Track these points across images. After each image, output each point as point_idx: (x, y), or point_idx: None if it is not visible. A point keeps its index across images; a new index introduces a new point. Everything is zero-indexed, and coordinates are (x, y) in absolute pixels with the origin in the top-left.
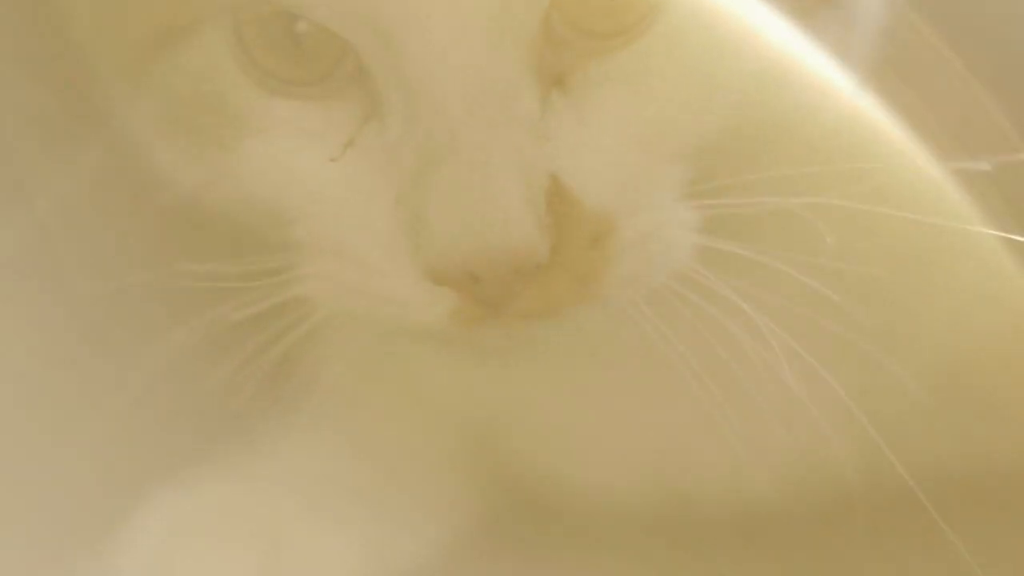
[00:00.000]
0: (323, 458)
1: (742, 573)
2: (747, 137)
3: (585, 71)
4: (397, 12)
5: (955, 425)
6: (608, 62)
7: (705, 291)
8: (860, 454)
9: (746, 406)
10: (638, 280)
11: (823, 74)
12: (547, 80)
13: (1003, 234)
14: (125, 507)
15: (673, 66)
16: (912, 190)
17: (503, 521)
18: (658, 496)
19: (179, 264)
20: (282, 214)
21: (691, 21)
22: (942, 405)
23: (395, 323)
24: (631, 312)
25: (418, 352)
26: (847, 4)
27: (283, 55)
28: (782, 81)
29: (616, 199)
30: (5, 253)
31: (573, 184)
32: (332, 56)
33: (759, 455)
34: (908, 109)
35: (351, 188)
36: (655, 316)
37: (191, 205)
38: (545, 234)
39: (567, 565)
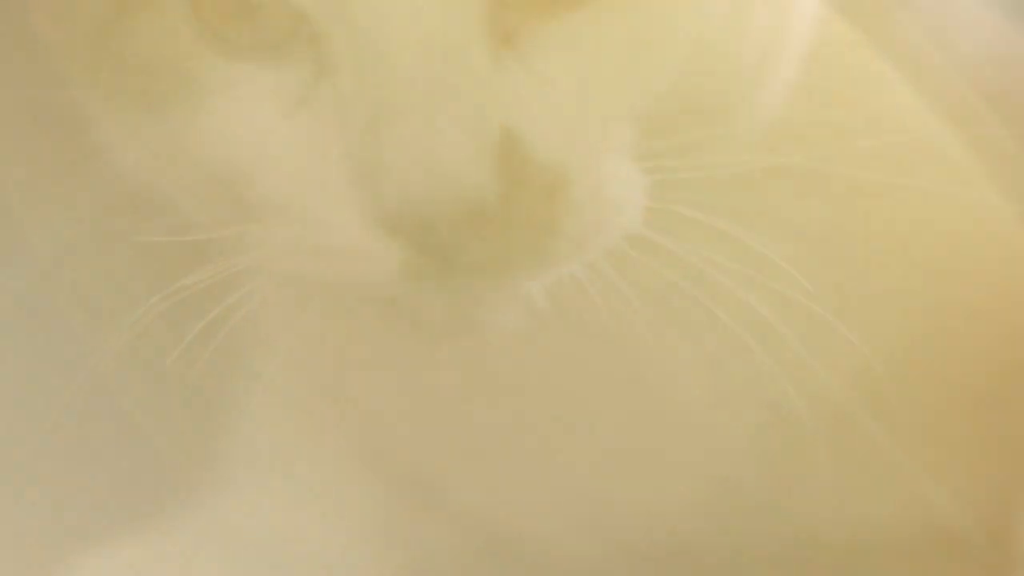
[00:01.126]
0: (250, 508)
1: None
2: (699, 101)
3: (535, 31)
4: None
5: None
6: (558, 23)
7: (659, 257)
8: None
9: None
10: (591, 238)
11: (775, 40)
12: (498, 38)
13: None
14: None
15: (621, 29)
16: (887, 153)
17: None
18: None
19: (127, 240)
20: (235, 179)
21: None
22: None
23: (342, 280)
24: (583, 279)
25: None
26: None
27: (238, 20)
28: (734, 45)
29: (568, 155)
30: None
31: (525, 137)
32: (287, 19)
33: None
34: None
35: (302, 146)
36: (608, 283)
37: (141, 182)
38: (495, 181)
39: None
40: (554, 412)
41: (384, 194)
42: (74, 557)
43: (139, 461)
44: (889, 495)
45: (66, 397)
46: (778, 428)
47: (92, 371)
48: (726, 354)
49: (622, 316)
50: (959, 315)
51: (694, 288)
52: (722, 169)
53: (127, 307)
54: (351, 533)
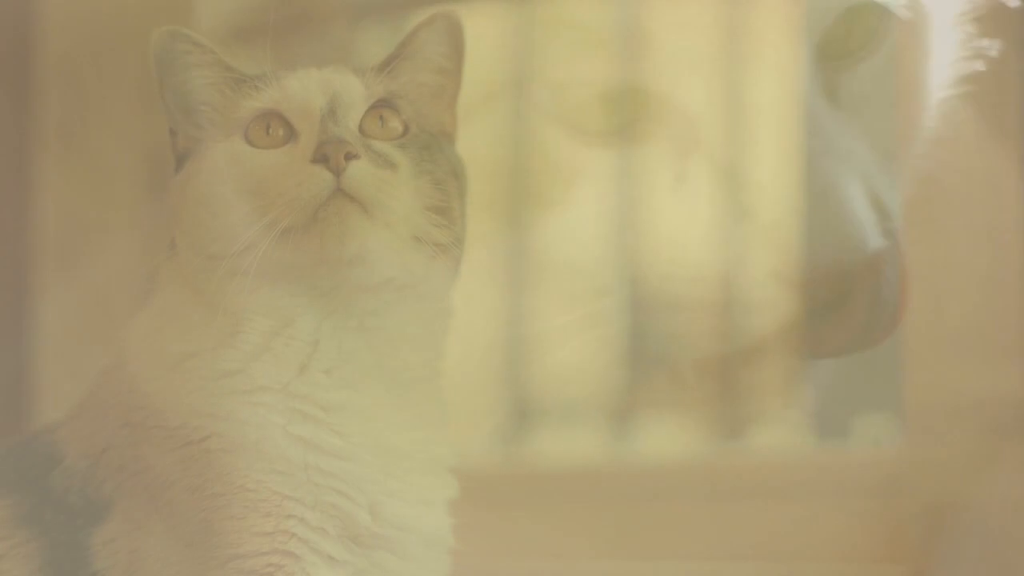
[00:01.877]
0: None
1: None
2: None
3: (843, 85)
4: None
5: None
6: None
7: None
8: None
9: None
10: None
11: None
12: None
13: None
14: None
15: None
16: None
17: None
18: None
19: None
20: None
21: None
22: None
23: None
24: None
25: None
26: None
27: (594, 110)
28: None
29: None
30: None
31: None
32: (639, 103)
33: None
34: None
35: (685, 211)
36: None
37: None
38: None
39: None
40: None
41: (797, 253)
42: None
43: None
44: None
45: None
46: None
47: None
48: None
49: None
50: None
51: None
52: None
53: None
54: None
